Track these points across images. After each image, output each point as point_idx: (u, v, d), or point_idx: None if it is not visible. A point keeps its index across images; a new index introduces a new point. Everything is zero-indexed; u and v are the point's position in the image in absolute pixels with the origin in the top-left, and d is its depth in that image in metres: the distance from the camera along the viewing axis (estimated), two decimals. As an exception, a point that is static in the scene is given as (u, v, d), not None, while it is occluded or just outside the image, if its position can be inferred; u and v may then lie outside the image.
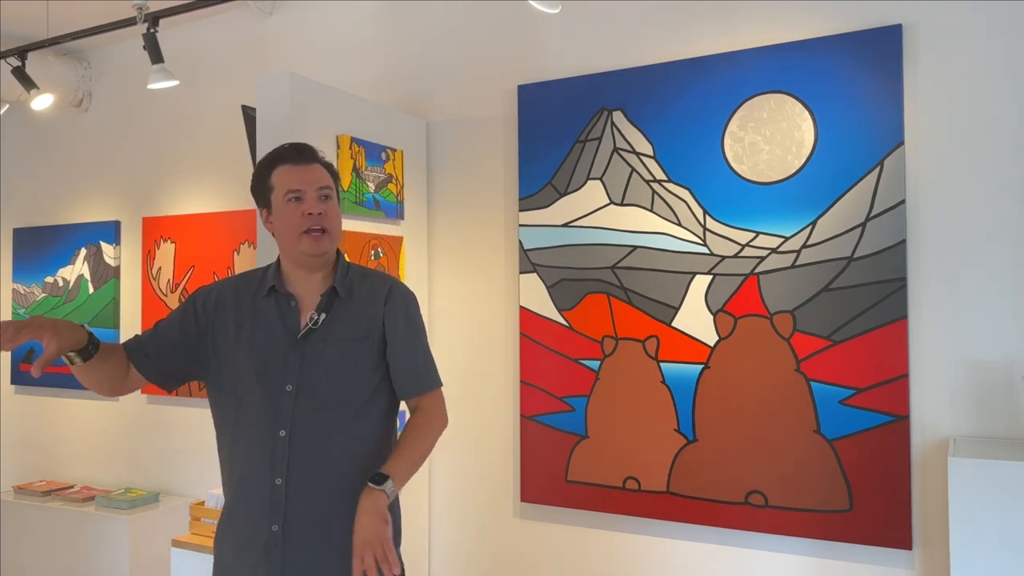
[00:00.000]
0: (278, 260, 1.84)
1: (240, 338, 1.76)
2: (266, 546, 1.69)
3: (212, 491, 3.23)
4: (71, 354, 1.63)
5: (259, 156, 2.63)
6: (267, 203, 1.78)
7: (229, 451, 1.78)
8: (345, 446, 1.73)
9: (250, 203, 3.63)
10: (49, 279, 4.40)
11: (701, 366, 2.66)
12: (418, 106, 3.30)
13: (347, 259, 1.89)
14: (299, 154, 1.77)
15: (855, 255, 2.45)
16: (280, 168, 1.77)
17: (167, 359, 1.80)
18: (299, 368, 1.72)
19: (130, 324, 4.11)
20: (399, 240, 3.01)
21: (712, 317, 2.65)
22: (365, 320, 1.78)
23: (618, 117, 2.83)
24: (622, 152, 2.82)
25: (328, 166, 1.83)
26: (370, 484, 1.63)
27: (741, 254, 2.61)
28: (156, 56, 3.39)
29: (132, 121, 4.18)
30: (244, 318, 1.78)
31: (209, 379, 1.82)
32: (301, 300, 1.78)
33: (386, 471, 1.66)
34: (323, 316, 1.75)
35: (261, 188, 1.79)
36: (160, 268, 3.98)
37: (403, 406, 1.88)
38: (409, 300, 1.87)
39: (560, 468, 2.88)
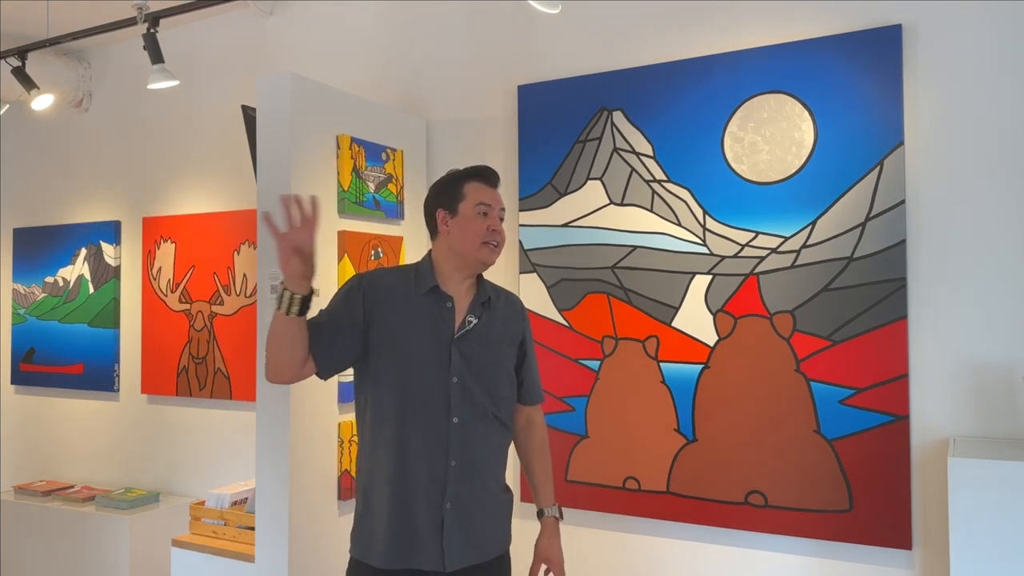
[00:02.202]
0: (429, 261, 1.97)
1: (407, 329, 1.90)
2: (439, 523, 1.86)
3: (212, 491, 3.22)
4: (296, 297, 1.72)
5: (259, 156, 2.65)
6: (452, 207, 1.94)
7: (396, 435, 1.87)
8: (495, 435, 1.96)
9: (250, 203, 3.66)
10: (49, 279, 4.40)
11: (701, 366, 2.66)
12: (418, 106, 3.30)
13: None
14: (491, 176, 1.99)
15: (855, 255, 2.45)
16: (474, 183, 1.96)
17: (338, 348, 1.88)
18: (461, 363, 1.89)
19: (130, 324, 4.11)
20: (399, 240, 3.00)
21: (712, 317, 2.65)
22: (509, 332, 2.02)
23: (618, 117, 2.83)
24: (622, 152, 2.82)
25: None
26: (556, 517, 2.05)
27: (741, 254, 2.61)
28: (156, 56, 3.39)
29: (132, 121, 4.18)
30: (409, 310, 1.92)
31: (368, 362, 1.91)
32: (455, 302, 1.94)
33: (552, 501, 2.07)
34: (476, 320, 1.94)
35: (451, 193, 1.95)
36: (160, 268, 3.98)
37: None
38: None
39: (560, 468, 2.88)
